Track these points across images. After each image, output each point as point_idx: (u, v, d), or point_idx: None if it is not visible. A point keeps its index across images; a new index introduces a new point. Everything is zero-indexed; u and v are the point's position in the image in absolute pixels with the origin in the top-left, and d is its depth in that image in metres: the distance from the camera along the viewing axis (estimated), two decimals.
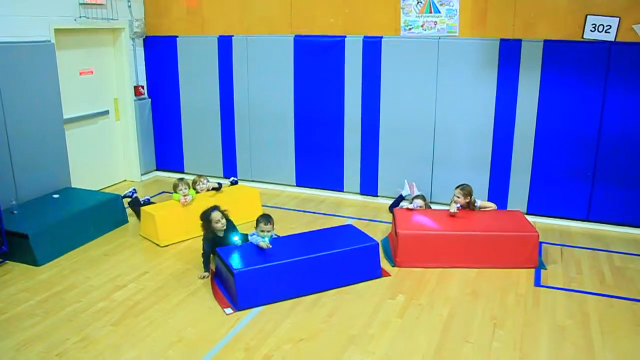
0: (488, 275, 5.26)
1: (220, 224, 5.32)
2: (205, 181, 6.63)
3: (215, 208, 5.38)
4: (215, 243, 5.26)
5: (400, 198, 6.82)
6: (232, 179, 7.21)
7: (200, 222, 5.39)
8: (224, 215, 5.39)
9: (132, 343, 4.16)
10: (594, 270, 5.43)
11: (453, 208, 5.80)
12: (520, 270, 5.35)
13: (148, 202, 6.73)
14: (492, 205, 6.03)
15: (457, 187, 5.96)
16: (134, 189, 6.84)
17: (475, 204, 5.96)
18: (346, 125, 7.30)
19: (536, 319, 4.51)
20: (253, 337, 4.24)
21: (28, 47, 6.26)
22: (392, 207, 6.59)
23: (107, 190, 7.58)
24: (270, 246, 4.95)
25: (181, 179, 6.40)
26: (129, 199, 6.73)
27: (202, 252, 5.30)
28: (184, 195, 6.17)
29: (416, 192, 6.66)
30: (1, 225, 5.41)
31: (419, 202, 6.15)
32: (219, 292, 4.89)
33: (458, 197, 5.90)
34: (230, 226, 5.42)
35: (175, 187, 6.30)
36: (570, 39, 6.15)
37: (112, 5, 7.42)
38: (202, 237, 5.38)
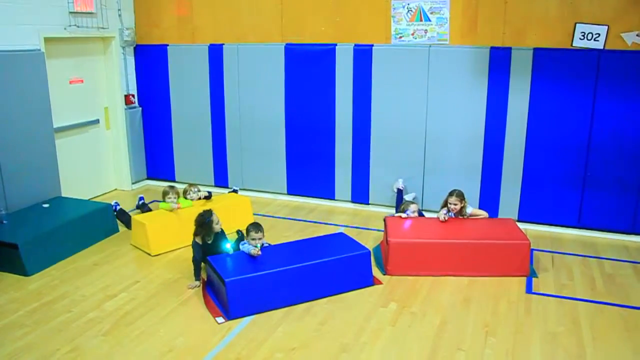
0: (480, 283, 5.27)
1: (219, 226, 5.32)
2: (195, 190, 6.60)
3: (211, 211, 5.34)
4: (205, 250, 5.23)
5: (400, 195, 6.84)
6: (232, 188, 7.47)
7: (196, 226, 5.27)
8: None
9: (123, 353, 4.13)
10: (585, 276, 5.46)
11: (442, 216, 5.81)
12: (512, 277, 5.36)
13: (142, 204, 6.81)
14: (483, 214, 6.04)
15: (452, 195, 5.91)
16: (116, 202, 6.73)
17: (467, 210, 5.97)
18: (337, 134, 7.31)
19: (528, 326, 4.52)
20: (245, 346, 4.22)
21: (18, 56, 6.23)
22: (397, 209, 6.61)
23: (97, 200, 7.54)
24: (260, 253, 4.94)
25: (172, 187, 6.37)
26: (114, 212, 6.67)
27: (192, 259, 5.24)
28: (176, 203, 6.18)
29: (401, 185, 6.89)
30: None
31: (413, 208, 6.14)
32: (210, 301, 4.87)
33: (455, 205, 5.89)
34: (221, 234, 5.40)
35: (164, 195, 6.28)
36: (560, 47, 6.20)
37: (102, 14, 7.41)
38: (191, 245, 5.30)
